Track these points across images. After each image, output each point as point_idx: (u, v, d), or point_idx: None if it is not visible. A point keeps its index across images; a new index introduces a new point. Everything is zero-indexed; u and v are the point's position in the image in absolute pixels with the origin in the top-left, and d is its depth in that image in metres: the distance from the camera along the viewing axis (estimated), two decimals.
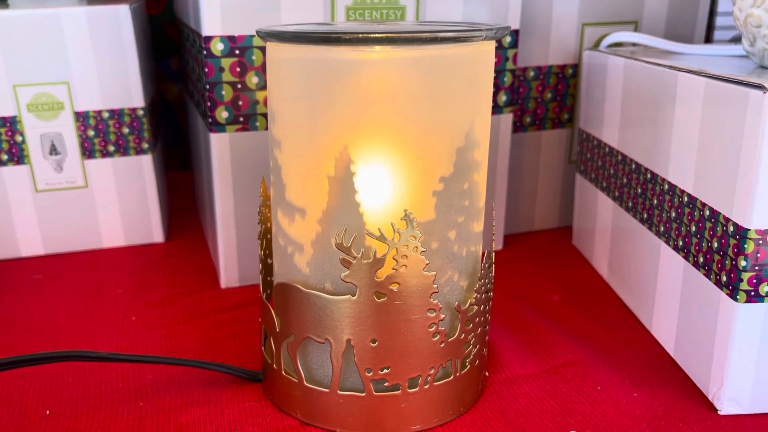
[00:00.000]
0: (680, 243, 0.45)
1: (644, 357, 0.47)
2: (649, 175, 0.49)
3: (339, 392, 0.38)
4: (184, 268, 0.61)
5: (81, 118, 0.61)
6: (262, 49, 0.52)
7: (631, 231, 0.53)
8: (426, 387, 0.39)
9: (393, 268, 0.36)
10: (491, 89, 0.38)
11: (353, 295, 0.36)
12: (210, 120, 0.53)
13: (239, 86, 0.52)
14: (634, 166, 0.52)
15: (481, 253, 0.41)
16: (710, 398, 0.42)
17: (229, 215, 0.55)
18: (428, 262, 0.36)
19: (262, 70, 0.52)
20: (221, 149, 0.54)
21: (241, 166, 0.55)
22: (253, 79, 0.53)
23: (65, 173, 0.62)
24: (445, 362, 0.39)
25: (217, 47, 0.51)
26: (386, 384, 0.38)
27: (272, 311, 0.40)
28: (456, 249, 0.38)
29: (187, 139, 0.77)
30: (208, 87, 0.52)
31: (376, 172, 0.35)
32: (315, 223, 0.37)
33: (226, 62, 0.52)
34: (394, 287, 0.36)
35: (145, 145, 0.64)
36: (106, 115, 0.62)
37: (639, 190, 0.51)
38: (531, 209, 0.69)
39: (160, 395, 0.43)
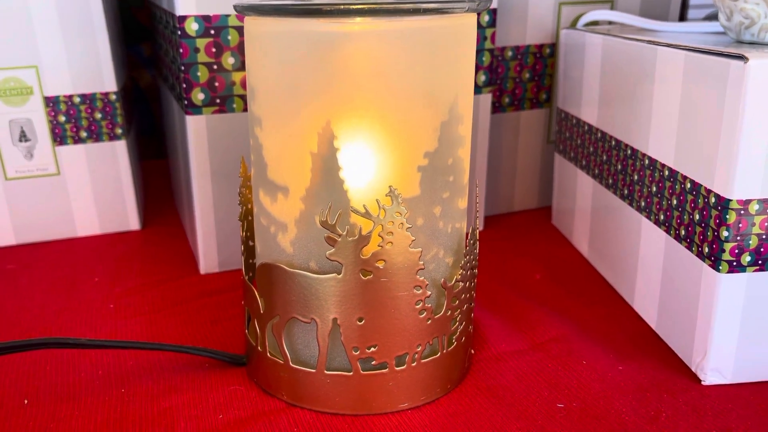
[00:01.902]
0: (662, 217, 0.45)
1: (627, 331, 0.47)
2: (629, 151, 0.49)
3: (326, 372, 0.38)
4: (162, 256, 0.60)
5: (51, 103, 0.60)
6: (239, 29, 0.51)
7: (612, 208, 0.53)
8: (413, 365, 0.38)
9: (379, 245, 0.35)
10: (473, 64, 0.38)
11: (339, 274, 0.36)
12: (186, 102, 0.52)
13: (215, 67, 0.51)
14: (613, 143, 0.52)
15: (465, 230, 0.41)
16: (693, 369, 0.42)
17: (207, 199, 0.55)
18: (414, 238, 0.36)
19: (238, 50, 0.51)
20: (198, 132, 0.53)
21: (219, 148, 0.54)
22: (229, 60, 0.52)
23: (36, 160, 0.61)
24: (432, 339, 0.39)
25: (192, 27, 0.50)
26: (373, 362, 0.38)
27: (256, 293, 0.39)
28: (441, 225, 0.38)
29: (161, 126, 0.76)
30: (183, 68, 0.51)
31: (359, 148, 0.35)
32: (298, 201, 0.36)
33: (201, 42, 0.51)
34: (380, 264, 0.36)
35: (119, 131, 0.62)
36: (77, 99, 0.60)
37: (619, 167, 0.51)
38: (510, 190, 0.69)
39: (143, 381, 0.42)
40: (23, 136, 0.60)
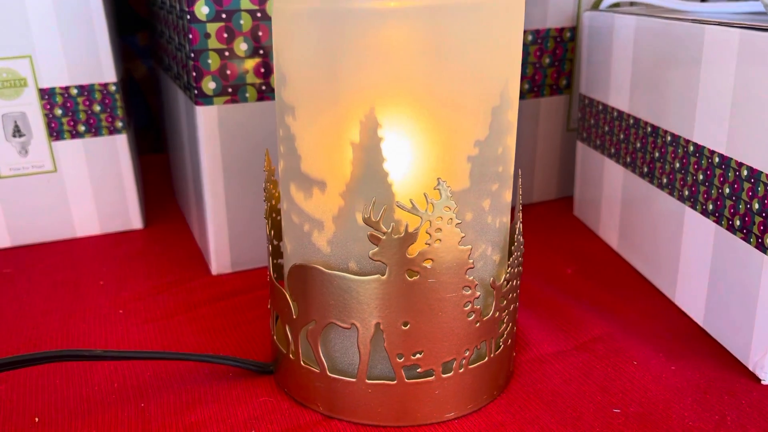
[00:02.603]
0: (710, 206, 0.43)
1: (672, 328, 0.45)
2: (668, 138, 0.47)
3: (367, 381, 0.35)
4: (169, 256, 0.57)
5: (46, 95, 0.56)
6: (251, 13, 0.48)
7: (647, 197, 0.50)
8: (461, 371, 0.36)
9: (426, 243, 0.32)
10: (521, 44, 0.35)
11: (382, 275, 0.33)
12: (196, 92, 0.48)
13: (227, 54, 0.48)
14: (649, 129, 0.49)
15: (509, 225, 0.38)
16: (751, 368, 0.40)
17: (219, 196, 0.51)
18: (464, 235, 0.33)
19: (251, 35, 0.48)
20: (209, 124, 0.49)
21: (231, 141, 0.50)
22: (241, 46, 0.48)
23: (31, 157, 0.57)
24: (479, 343, 0.36)
25: (202, 11, 0.47)
26: (419, 370, 0.35)
27: (287, 296, 0.36)
28: (490, 220, 0.35)
29: (160, 119, 0.72)
30: (192, 55, 0.47)
31: (405, 137, 0.32)
32: (337, 196, 0.33)
33: (212, 27, 0.47)
34: (428, 264, 0.33)
35: (119, 124, 0.59)
36: (74, 91, 0.56)
37: (657, 154, 0.49)
38: (529, 180, 0.66)
39: (163, 394, 0.39)
40: (17, 131, 0.56)
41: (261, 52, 0.49)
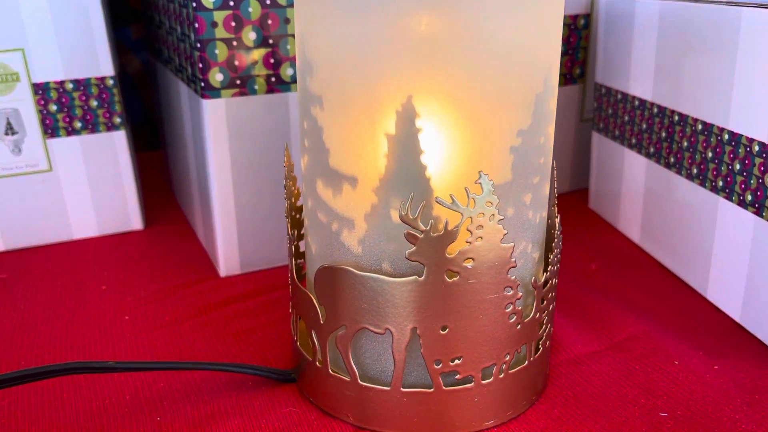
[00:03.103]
0: (749, 197, 0.41)
1: (707, 325, 0.43)
2: (699, 126, 0.45)
3: (402, 389, 0.33)
4: (173, 258, 0.54)
5: (40, 90, 0.53)
6: (260, 0, 0.45)
7: (674, 189, 0.49)
8: (501, 376, 0.33)
9: (467, 242, 0.30)
10: (562, 28, 0.33)
11: (419, 276, 0.31)
12: (202, 85, 0.46)
13: (234, 44, 0.45)
14: (677, 118, 0.48)
15: (547, 220, 0.36)
16: None
17: (227, 194, 0.49)
18: (506, 231, 0.31)
19: (260, 24, 0.46)
20: (216, 118, 0.47)
21: (239, 136, 0.48)
22: (250, 35, 0.46)
23: (25, 155, 0.54)
24: (520, 347, 0.34)
25: None
26: (457, 376, 0.33)
27: (314, 300, 0.34)
28: (530, 215, 0.33)
29: (156, 115, 0.69)
30: (199, 45, 0.45)
31: (444, 128, 0.30)
32: (369, 192, 0.31)
33: (219, 16, 0.45)
34: (468, 263, 0.31)
35: (117, 120, 0.56)
36: (69, 86, 0.54)
37: (685, 144, 0.47)
38: None
39: (180, 407, 0.36)
40: (10, 129, 0.53)
41: (270, 41, 0.46)
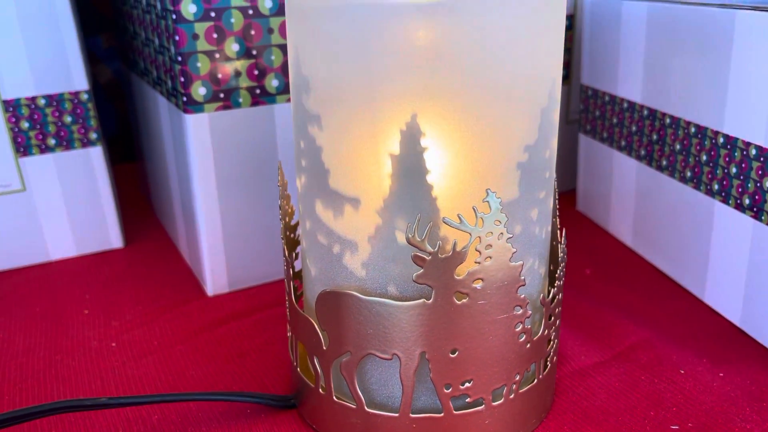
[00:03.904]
0: (746, 201, 0.40)
1: (707, 329, 0.43)
2: (692, 129, 0.45)
3: (411, 416, 0.32)
4: (157, 277, 0.52)
5: (11, 107, 0.50)
6: (242, 10, 0.43)
7: (666, 192, 0.48)
8: (511, 397, 0.33)
9: (476, 262, 0.29)
10: (563, 39, 0.32)
11: (428, 299, 0.30)
12: (185, 99, 0.44)
13: (217, 56, 0.44)
14: (668, 120, 0.47)
15: (551, 234, 0.35)
16: None
17: (213, 210, 0.47)
18: (515, 250, 0.30)
19: (242, 35, 0.44)
20: (199, 133, 0.45)
21: (224, 150, 0.46)
22: (232, 47, 0.44)
23: None
24: (530, 365, 0.33)
25: (189, 9, 0.42)
26: (468, 400, 0.32)
27: (316, 326, 0.32)
28: (537, 231, 0.32)
29: (131, 126, 0.67)
30: (180, 59, 0.43)
31: (450, 146, 0.28)
32: (373, 214, 0.30)
33: (200, 27, 0.43)
34: (477, 284, 0.30)
35: (93, 135, 0.54)
36: (42, 102, 0.51)
37: (678, 147, 0.46)
38: None
39: None
40: None
41: (254, 53, 0.45)
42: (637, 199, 0.53)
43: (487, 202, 0.29)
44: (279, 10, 0.44)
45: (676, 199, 0.47)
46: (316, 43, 0.29)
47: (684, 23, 0.45)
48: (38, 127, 0.52)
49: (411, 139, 0.28)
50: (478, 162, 0.29)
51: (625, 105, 0.52)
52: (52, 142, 0.52)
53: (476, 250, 0.29)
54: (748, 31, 0.39)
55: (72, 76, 0.52)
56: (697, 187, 0.45)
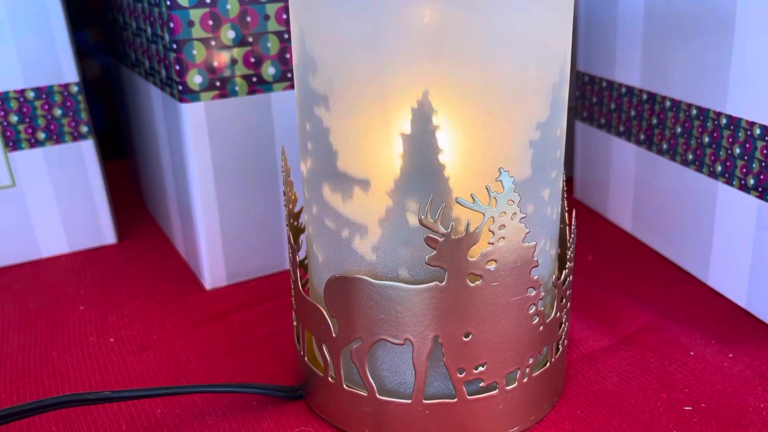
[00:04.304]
0: (751, 181, 0.40)
1: (713, 312, 0.43)
2: (694, 111, 0.44)
3: (424, 402, 0.31)
4: (153, 271, 0.51)
5: None
6: None
7: (668, 175, 0.48)
8: (524, 381, 0.32)
9: (489, 242, 0.29)
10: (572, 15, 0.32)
11: (441, 281, 0.29)
12: (180, 88, 0.43)
13: (213, 43, 0.43)
14: (668, 104, 0.47)
15: (560, 215, 0.34)
16: None
17: (210, 202, 0.46)
18: (528, 230, 0.29)
19: (238, 21, 0.43)
20: (196, 122, 0.44)
21: (221, 140, 0.45)
22: (228, 34, 0.43)
23: None
24: (542, 348, 0.32)
25: None
26: (482, 384, 0.31)
27: (324, 313, 0.32)
28: (548, 211, 0.32)
29: (121, 121, 0.66)
30: (175, 47, 0.42)
31: (462, 124, 0.28)
32: (383, 196, 0.29)
33: (195, 14, 0.42)
34: (491, 265, 0.29)
35: (84, 129, 0.53)
36: (31, 95, 0.50)
37: (678, 130, 0.46)
38: None
39: None
40: None
41: (250, 39, 0.44)
42: (636, 185, 0.52)
43: (500, 181, 0.28)
44: None
45: (677, 182, 0.47)
46: (323, 22, 0.28)
47: (681, 5, 0.44)
48: (27, 120, 0.50)
49: (423, 117, 0.28)
50: (490, 140, 0.28)
51: (623, 90, 0.52)
52: (42, 136, 0.51)
53: (489, 230, 0.28)
54: (750, 9, 0.39)
55: (62, 67, 0.51)
56: (699, 170, 0.45)
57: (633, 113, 0.51)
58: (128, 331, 0.43)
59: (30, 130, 0.51)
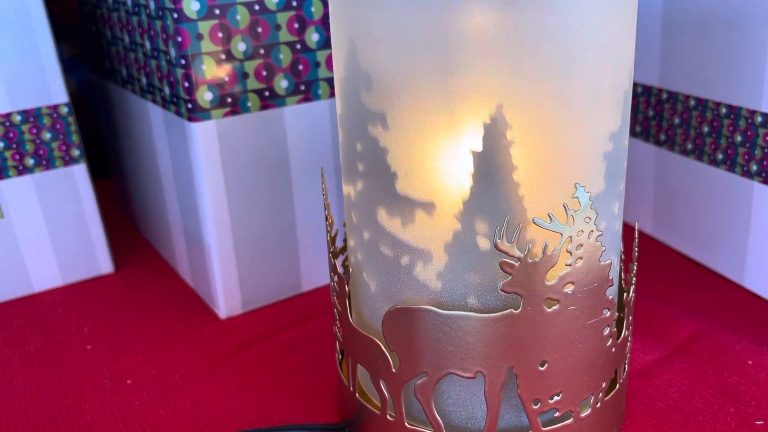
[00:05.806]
0: None
1: (755, 316, 0.41)
2: (723, 110, 0.43)
3: None
4: (158, 302, 0.48)
5: None
6: (248, 6, 0.40)
7: (693, 176, 0.47)
8: (597, 406, 0.30)
9: (566, 264, 0.27)
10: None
11: (515, 309, 0.27)
12: (189, 106, 0.40)
13: (223, 57, 0.40)
14: (693, 102, 0.46)
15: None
16: None
17: (224, 226, 0.43)
18: (605, 248, 0.27)
19: (249, 33, 0.40)
20: (208, 143, 0.41)
21: (233, 160, 0.42)
22: (239, 46, 0.40)
23: None
24: (614, 371, 0.30)
25: (192, 8, 0.38)
26: (556, 414, 0.29)
27: (383, 347, 0.29)
28: (617, 226, 0.30)
29: (106, 141, 0.62)
30: (183, 62, 0.39)
31: (537, 138, 0.26)
32: (451, 218, 0.27)
33: (204, 26, 0.39)
34: (568, 288, 0.27)
35: (76, 152, 0.49)
36: (17, 118, 0.46)
37: (706, 129, 0.45)
38: None
39: None
40: None
41: (262, 51, 0.41)
42: (656, 186, 0.51)
43: (576, 197, 0.26)
44: (285, 5, 0.41)
45: (704, 182, 0.46)
46: (378, 34, 0.26)
47: (704, 2, 0.43)
48: (15, 146, 0.47)
49: (496, 133, 0.25)
50: (565, 154, 0.26)
51: (640, 90, 0.51)
52: (30, 162, 0.47)
53: (567, 251, 0.26)
54: None
55: (50, 88, 0.47)
56: (731, 169, 0.44)
57: (651, 113, 0.50)
58: (145, 371, 0.40)
59: (17, 157, 0.47)
